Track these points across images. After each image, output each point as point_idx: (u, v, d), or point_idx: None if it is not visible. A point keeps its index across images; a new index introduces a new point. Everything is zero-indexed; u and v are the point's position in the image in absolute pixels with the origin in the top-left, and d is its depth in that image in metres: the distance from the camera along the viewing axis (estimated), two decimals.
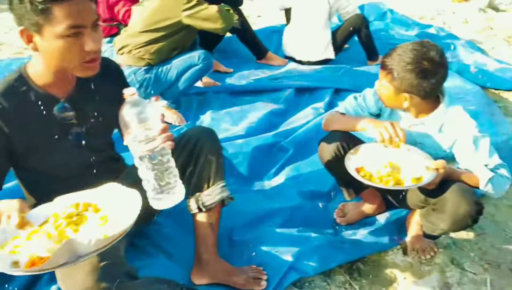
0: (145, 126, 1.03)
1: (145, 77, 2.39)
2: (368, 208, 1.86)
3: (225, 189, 1.51)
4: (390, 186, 1.37)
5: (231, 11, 2.38)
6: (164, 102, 2.54)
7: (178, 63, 2.42)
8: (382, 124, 1.44)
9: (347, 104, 1.73)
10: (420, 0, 6.20)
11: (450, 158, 1.53)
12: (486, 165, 1.45)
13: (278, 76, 3.19)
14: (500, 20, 5.34)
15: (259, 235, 1.68)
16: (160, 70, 2.41)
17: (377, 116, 1.68)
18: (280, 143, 2.24)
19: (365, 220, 1.88)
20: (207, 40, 3.31)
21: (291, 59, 3.50)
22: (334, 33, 3.40)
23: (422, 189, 1.48)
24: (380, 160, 1.44)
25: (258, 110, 2.63)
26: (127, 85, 1.33)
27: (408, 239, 1.72)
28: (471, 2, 5.89)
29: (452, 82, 3.01)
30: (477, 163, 1.46)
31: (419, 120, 1.56)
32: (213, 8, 2.28)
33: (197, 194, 1.48)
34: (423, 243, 1.68)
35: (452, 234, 1.88)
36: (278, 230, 1.71)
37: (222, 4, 2.46)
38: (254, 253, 1.60)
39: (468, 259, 1.74)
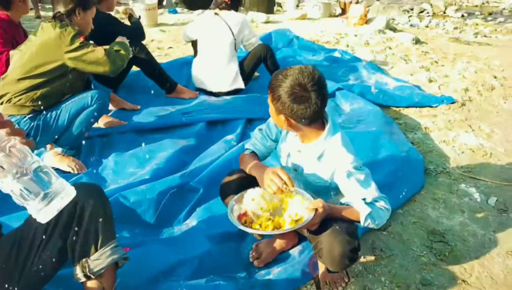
0: None
1: (31, 125, 2.16)
2: (279, 243, 1.82)
3: (117, 249, 1.36)
4: (269, 231, 1.36)
5: (122, 51, 2.25)
6: (59, 150, 2.31)
7: (68, 106, 2.23)
8: (268, 176, 1.45)
9: (253, 138, 1.75)
10: (325, 26, 6.61)
11: (333, 188, 1.54)
12: (364, 199, 1.47)
13: (188, 110, 3.10)
14: (397, 39, 5.83)
15: None
16: (48, 116, 2.19)
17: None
18: (189, 184, 2.13)
19: (279, 257, 1.83)
20: (110, 78, 3.14)
21: (202, 91, 3.45)
22: (241, 63, 3.43)
23: (308, 230, 1.47)
24: (262, 204, 1.44)
25: (166, 149, 2.50)
26: None
27: (319, 272, 1.70)
28: (371, 24, 6.38)
29: (356, 104, 3.17)
30: (355, 197, 1.48)
31: (304, 145, 1.56)
32: (100, 51, 2.14)
33: (83, 260, 1.31)
34: (334, 275, 1.66)
35: (363, 259, 1.90)
36: (185, 283, 1.58)
37: (118, 41, 2.34)
38: None
39: (379, 285, 1.75)
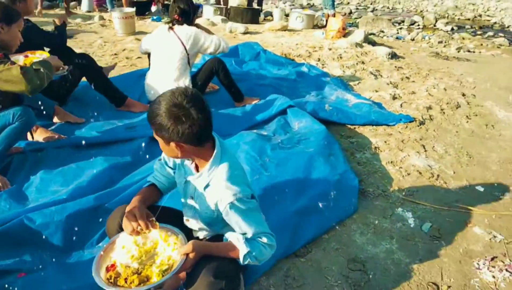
0: None
1: None
2: (184, 275, 1.76)
3: None
4: (134, 288, 1.30)
5: (41, 70, 2.20)
6: None
7: None
8: (125, 218, 1.41)
9: (154, 170, 1.70)
10: (302, 38, 6.59)
11: (221, 220, 1.49)
12: (244, 234, 1.42)
13: (134, 124, 3.06)
14: (373, 54, 5.80)
15: None
16: None
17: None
18: (105, 205, 2.08)
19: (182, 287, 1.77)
20: (56, 90, 3.11)
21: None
22: (193, 77, 3.39)
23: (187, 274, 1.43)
24: (133, 251, 1.40)
25: (97, 166, 2.46)
26: None
27: None
28: (349, 37, 6.35)
29: (303, 123, 3.12)
30: (235, 233, 1.43)
31: (197, 175, 1.52)
32: (15, 69, 2.08)
33: None
34: None
35: (272, 289, 1.84)
36: None
37: (40, 60, 2.30)
38: None
39: None
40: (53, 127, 2.99)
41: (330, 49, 5.80)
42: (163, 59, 3.26)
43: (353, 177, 2.50)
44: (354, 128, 3.46)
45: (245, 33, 6.75)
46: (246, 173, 2.31)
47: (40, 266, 1.76)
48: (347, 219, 2.31)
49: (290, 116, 3.27)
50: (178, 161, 1.61)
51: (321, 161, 2.51)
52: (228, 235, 1.46)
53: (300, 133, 2.93)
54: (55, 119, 3.07)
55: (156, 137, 1.41)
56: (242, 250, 1.40)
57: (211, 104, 3.54)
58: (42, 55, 2.64)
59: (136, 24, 6.71)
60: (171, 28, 3.25)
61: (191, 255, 1.36)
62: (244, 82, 4.03)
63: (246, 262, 1.42)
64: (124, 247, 1.41)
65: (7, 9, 2.26)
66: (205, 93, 3.62)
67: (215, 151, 1.46)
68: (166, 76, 3.25)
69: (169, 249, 1.41)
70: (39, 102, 2.92)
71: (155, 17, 8.29)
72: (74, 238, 1.94)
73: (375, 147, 3.16)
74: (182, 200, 1.61)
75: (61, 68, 2.55)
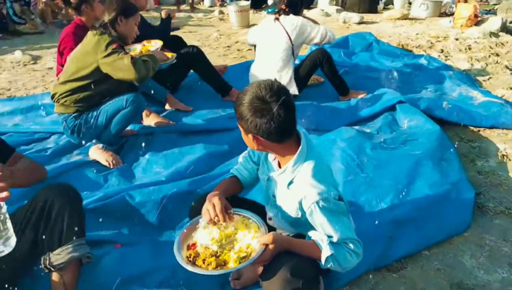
0: None
1: (75, 123, 2.43)
2: (260, 269, 1.72)
3: (80, 247, 1.46)
4: (210, 270, 1.29)
5: (149, 61, 2.35)
6: (100, 145, 2.56)
7: (106, 108, 2.43)
8: (205, 204, 1.40)
9: (239, 162, 1.69)
10: (425, 28, 5.95)
11: (305, 222, 1.38)
12: (330, 237, 1.29)
13: (233, 114, 3.12)
14: (511, 45, 4.95)
15: None
16: (90, 115, 2.43)
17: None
18: (197, 191, 2.15)
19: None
20: (169, 79, 3.34)
21: None
22: (297, 69, 3.31)
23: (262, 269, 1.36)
24: (214, 233, 1.39)
25: (197, 153, 2.57)
26: None
27: None
28: (482, 26, 5.53)
29: (414, 121, 2.80)
30: (319, 234, 1.32)
31: (280, 171, 1.44)
32: (126, 58, 2.25)
33: (47, 253, 1.44)
34: None
35: None
36: None
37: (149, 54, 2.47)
38: None
39: None
40: (164, 114, 3.22)
41: (457, 39, 5.12)
42: (267, 49, 3.25)
43: (468, 188, 2.15)
44: (478, 130, 2.98)
45: (359, 23, 6.39)
46: (338, 173, 2.19)
47: (135, 240, 1.90)
48: (455, 237, 2.00)
49: (399, 113, 2.96)
50: (262, 156, 1.57)
51: (429, 166, 2.21)
52: (312, 234, 1.37)
53: (408, 133, 2.63)
54: (167, 106, 3.30)
55: (239, 126, 1.39)
56: (325, 251, 1.29)
57: (314, 96, 3.50)
58: (157, 43, 2.85)
59: (251, 17, 6.89)
60: (277, 18, 3.21)
61: (270, 247, 1.30)
62: (351, 74, 3.81)
63: (328, 266, 1.31)
64: (206, 228, 1.41)
65: (125, 3, 2.47)
66: (308, 85, 3.51)
67: (300, 147, 1.37)
68: (269, 67, 3.23)
69: (249, 237, 1.38)
70: (152, 91, 3.18)
71: (270, 10, 8.40)
72: (167, 218, 2.05)
73: (503, 155, 2.67)
74: (265, 198, 1.56)
75: (168, 58, 2.73)
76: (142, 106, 2.53)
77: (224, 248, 1.37)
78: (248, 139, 1.37)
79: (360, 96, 3.40)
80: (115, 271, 1.68)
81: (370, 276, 1.79)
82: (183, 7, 9.05)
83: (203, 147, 2.63)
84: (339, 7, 7.58)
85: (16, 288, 1.47)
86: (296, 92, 3.26)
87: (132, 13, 2.48)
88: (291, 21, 3.15)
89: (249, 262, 1.27)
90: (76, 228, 1.46)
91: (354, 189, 2.13)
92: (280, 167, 1.45)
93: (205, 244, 1.37)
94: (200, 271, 1.28)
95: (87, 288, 1.60)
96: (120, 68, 2.26)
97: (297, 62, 3.44)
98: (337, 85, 3.38)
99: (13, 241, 1.24)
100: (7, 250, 1.22)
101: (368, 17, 6.85)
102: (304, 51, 4.23)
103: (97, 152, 2.55)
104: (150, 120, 3.00)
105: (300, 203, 1.36)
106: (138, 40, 2.69)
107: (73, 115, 2.43)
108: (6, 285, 1.45)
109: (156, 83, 3.24)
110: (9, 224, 1.23)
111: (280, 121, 1.26)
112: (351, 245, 1.31)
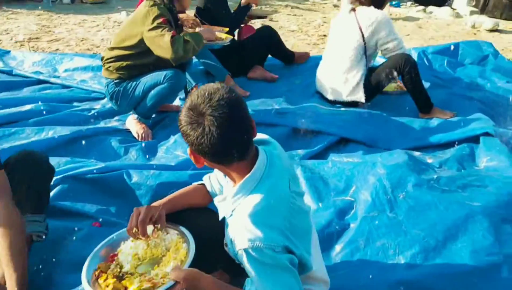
0: None
1: (114, 90, 2.46)
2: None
3: (33, 224, 1.42)
4: None
5: (191, 42, 2.22)
6: (135, 116, 2.56)
7: (145, 79, 2.40)
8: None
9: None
10: None
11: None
12: None
13: (285, 110, 2.85)
14: None
15: None
16: (129, 85, 2.43)
17: None
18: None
19: None
20: (226, 60, 3.22)
21: (320, 95, 3.09)
22: (371, 73, 2.85)
23: None
24: (140, 249, 1.22)
25: None
26: None
27: None
28: None
29: (495, 162, 2.19)
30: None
31: (220, 198, 1.19)
32: (167, 36, 2.17)
33: None
34: None
35: None
36: None
37: (195, 32, 2.35)
38: None
39: None
40: None
41: None
42: (336, 45, 2.86)
43: None
44: None
45: (492, 30, 5.34)
46: (361, 204, 1.80)
47: (116, 222, 1.83)
48: None
49: (481, 147, 2.34)
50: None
51: (483, 226, 1.66)
52: (248, 283, 1.10)
53: (478, 175, 2.05)
54: None
55: None
56: None
57: (387, 106, 3.02)
58: (225, 35, 2.76)
59: None
60: (353, 9, 2.78)
61: (179, 286, 1.08)
62: (445, 89, 3.18)
63: None
64: (135, 241, 1.25)
65: None
66: (388, 92, 3.02)
67: (249, 175, 1.09)
68: (336, 66, 2.84)
69: (171, 264, 1.18)
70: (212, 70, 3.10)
71: (394, 2, 7.60)
72: None
73: None
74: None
75: (220, 39, 2.58)
76: (180, 85, 2.45)
77: (153, 265, 1.19)
78: (193, 156, 1.13)
79: (445, 117, 2.80)
80: (78, 250, 1.62)
81: None
82: None
83: None
84: (475, 9, 6.46)
85: None
86: (362, 100, 2.83)
87: None
88: (369, 15, 2.69)
89: None
90: (32, 203, 1.42)
91: (371, 229, 1.73)
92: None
93: (123, 259, 1.20)
94: None
95: (47, 262, 1.57)
96: (159, 44, 2.21)
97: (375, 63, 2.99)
98: (418, 99, 2.83)
99: None
100: None
101: (508, 24, 5.70)
102: None
103: (131, 122, 2.56)
104: None
105: (231, 241, 1.10)
106: (211, 21, 2.60)
107: (115, 81, 2.46)
108: None
109: (217, 63, 3.14)
110: None
111: (212, 140, 1.00)
112: None
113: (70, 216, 1.81)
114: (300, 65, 3.71)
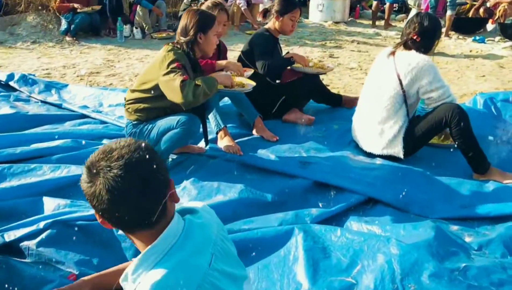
0: None
1: (132, 131, 2.45)
2: None
3: None
4: None
5: (203, 87, 2.13)
6: None
7: (160, 123, 2.36)
8: None
9: None
10: None
11: None
12: None
13: (311, 160, 2.60)
14: None
15: None
16: (145, 127, 2.40)
17: None
18: None
19: None
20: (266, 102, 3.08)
21: (356, 144, 2.78)
22: (414, 124, 2.48)
23: None
24: None
25: (235, 193, 2.23)
26: None
27: None
28: None
29: None
30: None
31: (122, 276, 1.02)
32: (177, 81, 2.11)
33: None
34: None
35: None
36: None
37: (209, 76, 2.27)
38: None
39: None
40: (246, 138, 2.97)
41: None
42: (372, 92, 2.56)
43: None
44: None
45: None
46: None
47: None
48: None
49: None
50: None
51: None
52: None
53: None
54: (254, 131, 3.04)
55: None
56: None
57: (435, 163, 2.64)
58: (248, 82, 2.66)
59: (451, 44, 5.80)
60: (392, 53, 2.46)
61: None
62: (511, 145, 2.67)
63: None
64: None
65: (203, 17, 2.33)
66: (438, 146, 2.63)
67: (152, 244, 0.93)
68: (371, 115, 2.54)
69: None
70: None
71: (478, 38, 6.89)
72: None
73: None
74: None
75: (241, 85, 2.48)
76: (193, 130, 2.36)
77: None
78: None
79: (505, 181, 2.34)
80: None
81: None
82: (378, 23, 8.44)
83: (244, 188, 2.27)
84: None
85: None
86: (400, 155, 2.48)
87: (210, 26, 2.33)
88: (408, 60, 2.36)
89: None
90: None
91: None
92: None
93: None
94: None
95: None
96: (170, 89, 2.18)
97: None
98: (469, 156, 2.39)
99: None
100: None
101: None
102: None
103: None
104: (223, 142, 2.81)
105: None
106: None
107: (133, 122, 2.46)
108: None
109: (249, 104, 3.03)
110: None
111: (103, 205, 0.88)
112: None
113: (50, 265, 1.78)
114: (345, 109, 3.45)
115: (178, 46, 2.34)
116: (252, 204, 2.21)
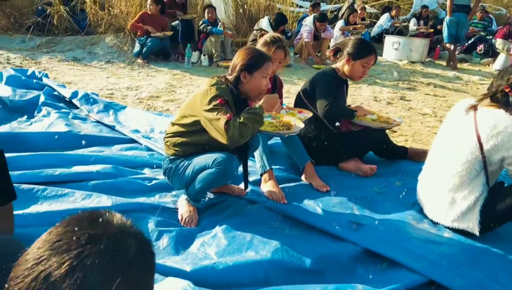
0: None
1: (168, 166, 2.29)
2: None
3: None
4: None
5: (248, 124, 1.96)
6: (184, 196, 2.33)
7: (197, 160, 2.18)
8: None
9: None
10: None
11: None
12: None
13: (364, 221, 2.24)
14: None
15: None
16: (181, 163, 2.23)
17: None
18: None
19: None
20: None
21: (421, 207, 2.36)
22: (495, 195, 2.03)
23: None
24: None
25: (259, 252, 1.95)
26: None
27: None
28: None
29: None
30: None
31: None
32: (222, 121, 1.96)
33: None
34: None
35: None
36: None
37: (253, 110, 2.04)
38: None
39: None
40: (293, 184, 2.70)
41: None
42: (444, 151, 2.15)
43: None
44: None
45: None
46: None
47: None
48: None
49: None
50: None
51: None
52: None
53: None
54: (303, 177, 2.75)
55: None
56: None
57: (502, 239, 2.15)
58: (297, 122, 2.43)
59: None
60: (474, 107, 2.05)
61: None
62: None
63: None
64: None
65: (253, 56, 2.16)
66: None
67: None
68: (440, 180, 2.12)
69: None
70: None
71: None
72: None
73: None
74: None
75: (288, 126, 2.22)
76: (230, 171, 2.14)
77: None
78: None
79: None
80: None
81: None
82: (460, 65, 7.80)
83: (280, 247, 1.97)
84: None
85: None
86: (475, 231, 2.03)
87: (257, 67, 2.14)
88: (494, 121, 1.92)
89: None
90: None
91: None
92: None
93: None
94: None
95: None
96: (214, 128, 2.02)
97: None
98: None
99: None
100: None
101: None
102: None
103: (182, 202, 2.33)
104: (266, 186, 2.56)
105: None
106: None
107: (170, 157, 2.31)
108: None
109: (300, 146, 2.77)
110: None
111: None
112: None
113: None
114: (411, 162, 3.04)
115: (223, 80, 2.19)
116: (286, 269, 1.90)
